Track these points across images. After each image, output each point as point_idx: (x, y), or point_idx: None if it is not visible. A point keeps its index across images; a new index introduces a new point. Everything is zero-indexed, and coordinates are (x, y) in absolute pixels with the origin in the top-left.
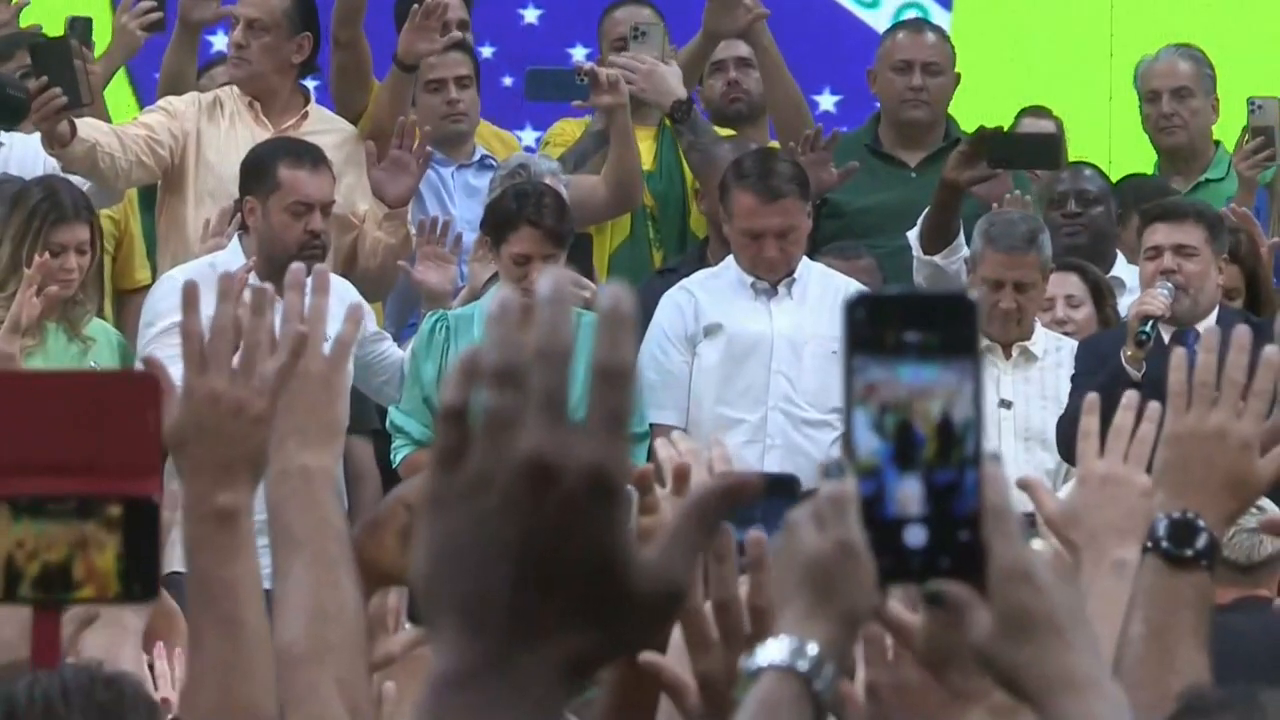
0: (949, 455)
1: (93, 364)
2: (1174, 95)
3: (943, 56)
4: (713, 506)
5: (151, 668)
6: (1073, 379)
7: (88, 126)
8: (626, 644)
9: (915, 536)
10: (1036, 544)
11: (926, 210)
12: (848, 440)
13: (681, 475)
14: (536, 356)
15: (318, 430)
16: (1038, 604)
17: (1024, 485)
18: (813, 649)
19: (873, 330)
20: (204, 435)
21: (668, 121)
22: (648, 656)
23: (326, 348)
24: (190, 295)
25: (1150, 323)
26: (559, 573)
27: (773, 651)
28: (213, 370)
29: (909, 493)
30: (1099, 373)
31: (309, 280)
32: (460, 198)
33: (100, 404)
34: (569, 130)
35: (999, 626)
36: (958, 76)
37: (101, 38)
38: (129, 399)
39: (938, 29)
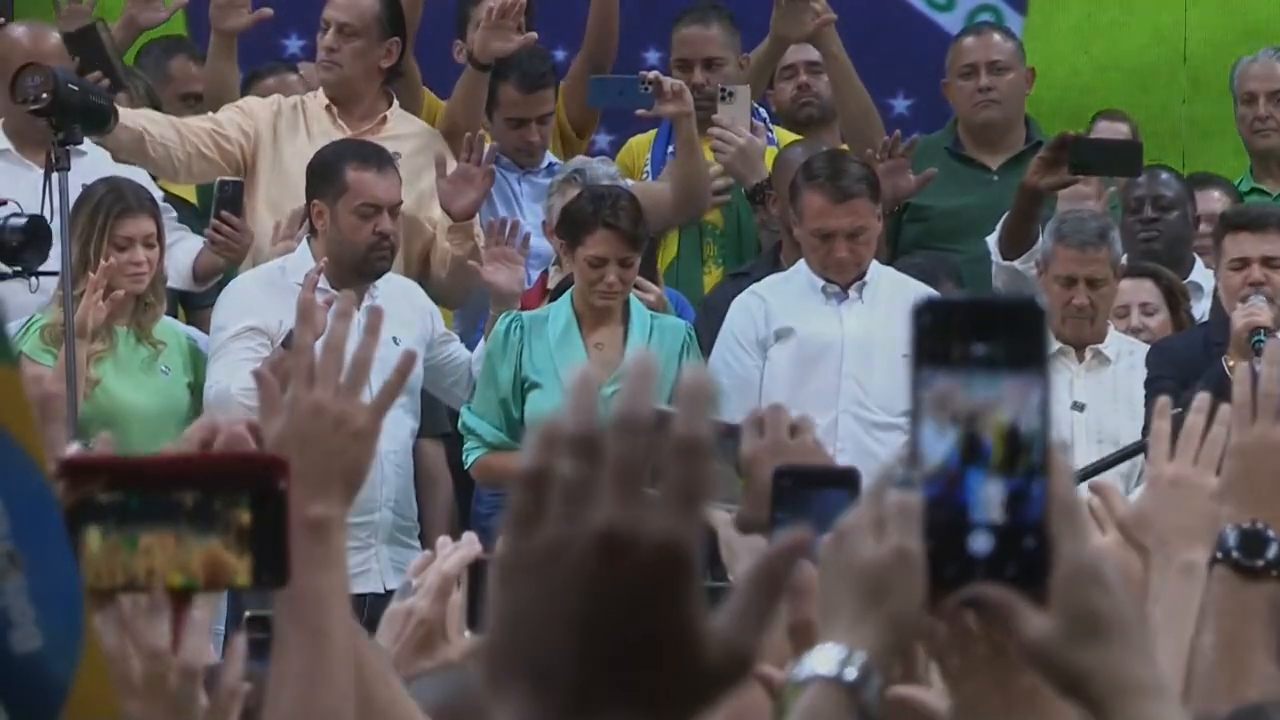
0: (1015, 463)
1: (163, 368)
2: (1270, 98)
3: (1007, 54)
4: (777, 570)
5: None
6: (1147, 384)
7: (139, 117)
8: (691, 715)
9: (980, 543)
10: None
11: (1006, 216)
12: (913, 449)
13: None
14: (614, 427)
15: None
16: (1107, 606)
17: (1095, 489)
18: (860, 658)
19: (939, 340)
20: (306, 447)
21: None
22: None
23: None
24: (306, 310)
25: (1261, 332)
26: (625, 648)
27: (820, 661)
28: (320, 384)
29: (992, 497)
30: (1173, 379)
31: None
32: (527, 203)
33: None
34: (637, 148)
35: (1065, 628)
36: (1031, 73)
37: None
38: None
39: (1002, 29)
